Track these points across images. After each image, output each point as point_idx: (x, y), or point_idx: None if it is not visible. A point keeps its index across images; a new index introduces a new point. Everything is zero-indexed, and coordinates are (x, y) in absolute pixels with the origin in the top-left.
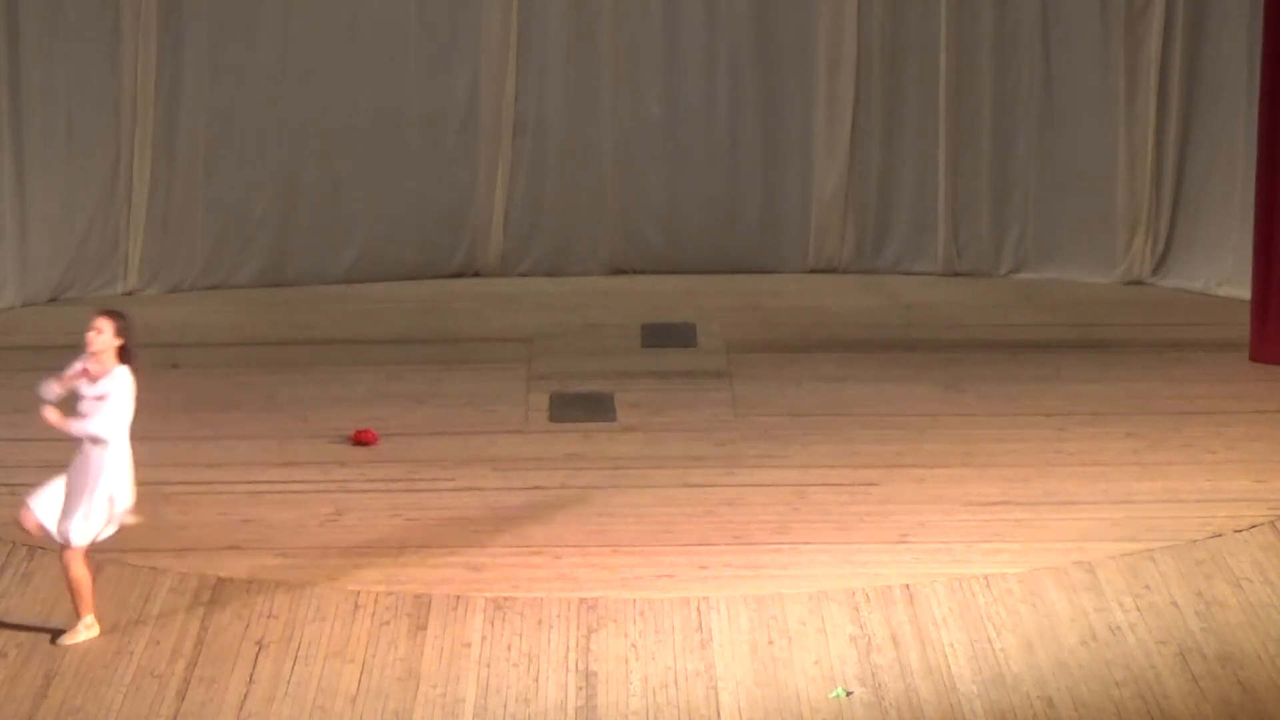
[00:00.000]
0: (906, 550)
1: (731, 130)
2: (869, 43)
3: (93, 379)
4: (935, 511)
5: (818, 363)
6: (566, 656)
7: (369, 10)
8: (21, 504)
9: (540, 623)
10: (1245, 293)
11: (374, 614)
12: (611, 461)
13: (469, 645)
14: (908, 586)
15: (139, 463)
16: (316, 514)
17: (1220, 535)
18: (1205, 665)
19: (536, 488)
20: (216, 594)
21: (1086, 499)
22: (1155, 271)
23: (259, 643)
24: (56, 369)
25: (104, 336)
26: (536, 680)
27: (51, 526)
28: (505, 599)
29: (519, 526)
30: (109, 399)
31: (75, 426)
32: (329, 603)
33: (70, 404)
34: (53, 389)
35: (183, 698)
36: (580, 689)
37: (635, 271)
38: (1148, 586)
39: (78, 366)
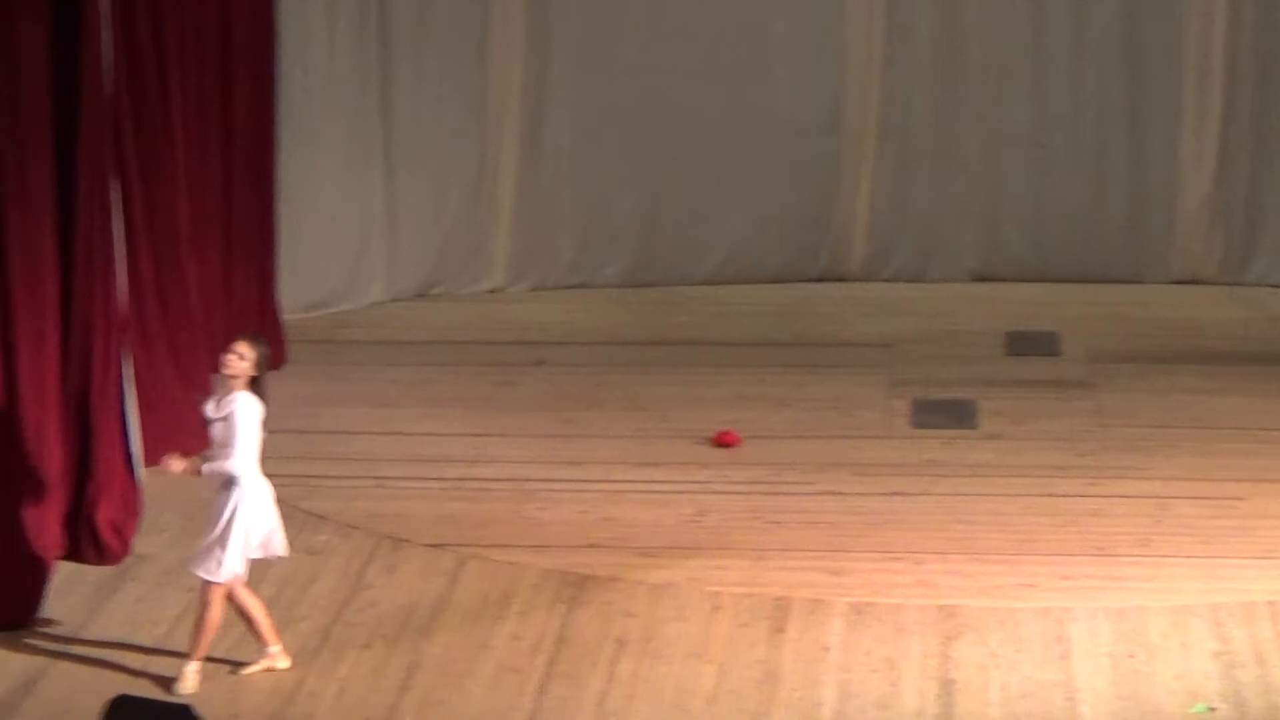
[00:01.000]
0: (1273, 566)
1: (1098, 138)
2: (1238, 52)
3: (217, 401)
4: None
5: (1183, 374)
6: (925, 663)
7: (734, 12)
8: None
9: (899, 629)
10: None
11: (733, 615)
12: (972, 469)
13: (828, 649)
14: (1273, 603)
15: (502, 458)
16: (677, 514)
17: None
18: None
19: (897, 493)
20: (577, 591)
21: None
22: None
23: (619, 641)
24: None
25: (243, 363)
26: (895, 686)
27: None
28: (865, 604)
29: (879, 532)
30: (235, 424)
31: (207, 468)
32: (689, 603)
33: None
34: (173, 464)
35: (543, 693)
36: (938, 696)
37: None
38: None
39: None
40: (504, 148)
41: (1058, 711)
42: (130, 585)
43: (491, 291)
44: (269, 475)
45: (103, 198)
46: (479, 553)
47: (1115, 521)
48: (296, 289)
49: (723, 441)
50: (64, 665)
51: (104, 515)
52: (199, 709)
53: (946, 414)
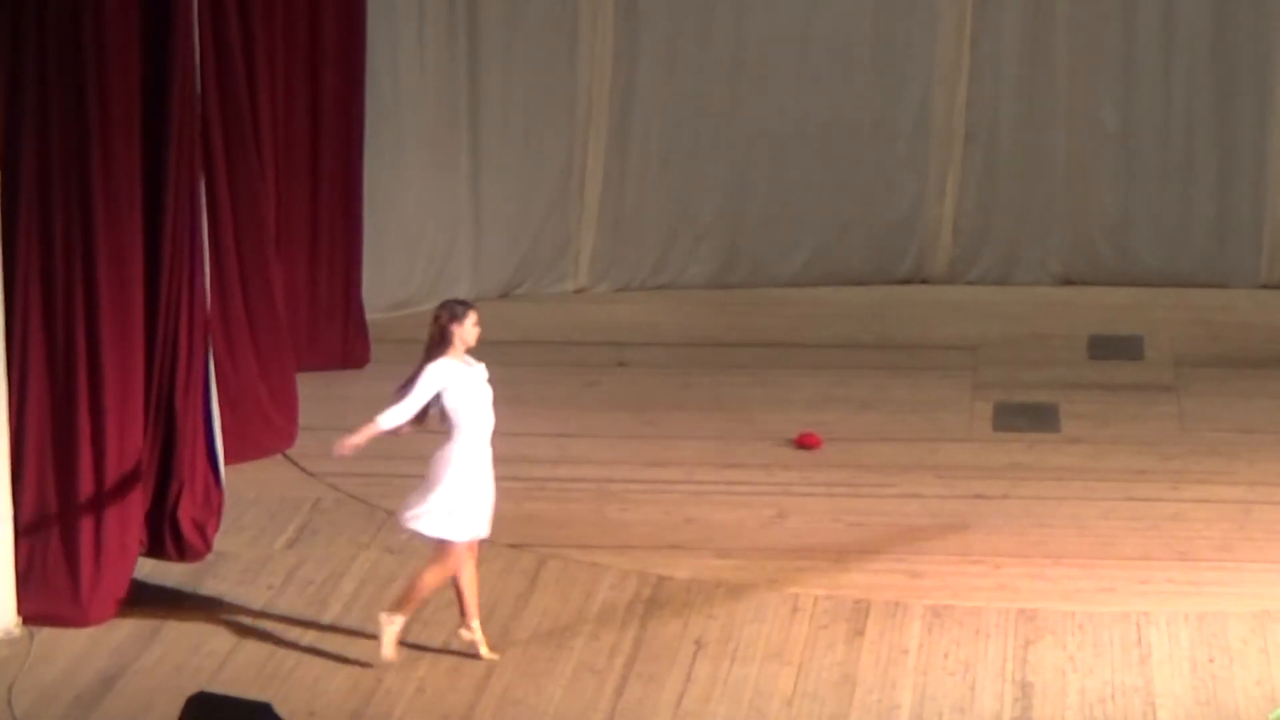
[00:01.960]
0: None
1: (1186, 143)
2: None
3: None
4: None
5: (1268, 379)
6: (1004, 667)
7: (821, 14)
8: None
9: (978, 632)
10: None
11: (812, 617)
12: (1054, 472)
13: (906, 652)
14: None
15: (584, 459)
16: (759, 516)
17: None
18: None
19: (979, 496)
20: (656, 592)
21: None
22: None
23: (697, 642)
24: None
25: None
26: (973, 689)
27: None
28: (944, 607)
29: (960, 534)
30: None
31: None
32: (768, 605)
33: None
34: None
35: (620, 694)
36: (1016, 700)
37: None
38: None
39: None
40: (591, 150)
41: (1136, 716)
42: (211, 582)
43: (576, 292)
44: (352, 473)
45: (191, 197)
46: (560, 553)
47: (1197, 526)
48: (381, 288)
49: (805, 443)
50: (145, 661)
51: (186, 512)
52: (278, 707)
53: (1029, 417)
